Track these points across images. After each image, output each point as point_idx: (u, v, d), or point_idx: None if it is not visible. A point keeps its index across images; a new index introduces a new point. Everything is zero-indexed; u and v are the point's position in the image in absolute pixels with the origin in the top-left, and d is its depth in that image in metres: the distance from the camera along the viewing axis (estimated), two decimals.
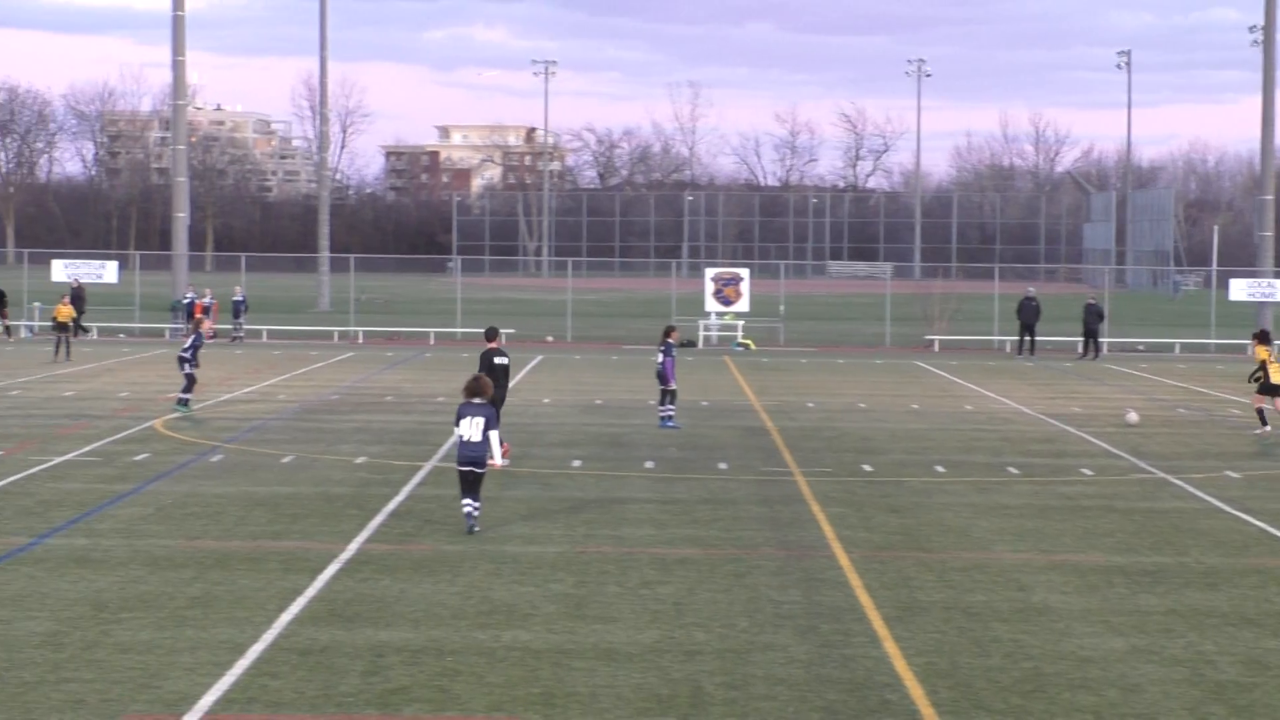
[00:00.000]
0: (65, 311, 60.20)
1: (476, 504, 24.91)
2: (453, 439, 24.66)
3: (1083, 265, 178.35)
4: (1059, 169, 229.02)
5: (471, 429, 24.47)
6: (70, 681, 16.50)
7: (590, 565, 22.70)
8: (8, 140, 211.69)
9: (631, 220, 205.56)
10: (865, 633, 19.03)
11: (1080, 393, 50.65)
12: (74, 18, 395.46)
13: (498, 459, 24.84)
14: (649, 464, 33.38)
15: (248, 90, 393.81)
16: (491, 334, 33.88)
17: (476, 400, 24.64)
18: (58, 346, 59.61)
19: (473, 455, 24.53)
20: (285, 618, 19.28)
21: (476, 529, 24.79)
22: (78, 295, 75.44)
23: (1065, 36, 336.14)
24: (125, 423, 39.20)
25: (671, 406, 40.35)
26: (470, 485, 24.75)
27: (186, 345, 42.29)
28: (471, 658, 17.67)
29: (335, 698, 16.13)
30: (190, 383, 41.78)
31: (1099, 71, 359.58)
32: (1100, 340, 70.72)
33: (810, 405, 46.50)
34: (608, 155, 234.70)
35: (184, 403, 41.68)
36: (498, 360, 33.30)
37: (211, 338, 73.06)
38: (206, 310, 74.94)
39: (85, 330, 74.84)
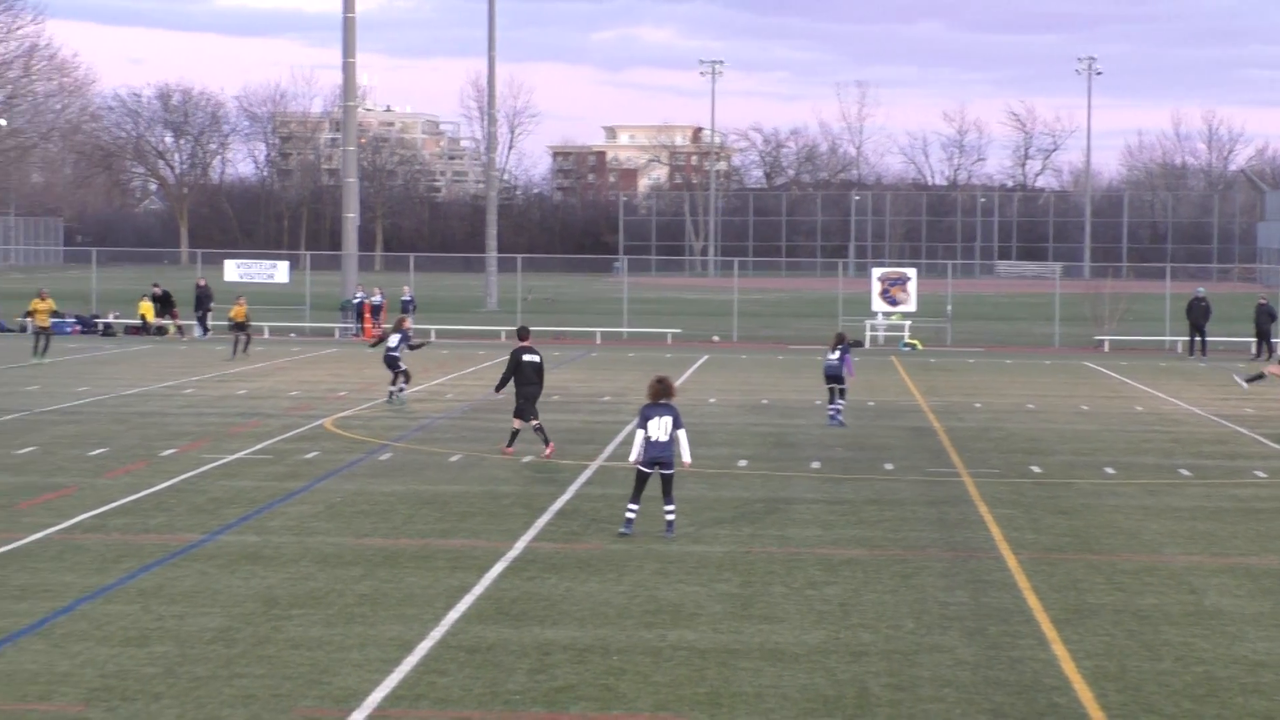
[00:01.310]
0: (241, 311, 61.01)
1: (662, 508, 24.90)
2: (638, 440, 24.56)
3: (1257, 265, 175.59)
4: (1232, 167, 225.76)
5: (660, 429, 24.44)
6: (242, 677, 16.71)
7: (756, 565, 22.67)
8: (182, 142, 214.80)
9: (798, 220, 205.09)
10: (1034, 635, 18.86)
11: (1254, 395, 49.93)
12: (247, 20, 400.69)
13: (687, 458, 24.86)
14: (815, 464, 33.29)
15: (417, 91, 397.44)
16: (523, 333, 34.60)
17: (662, 400, 24.66)
18: (235, 345, 60.47)
19: (662, 455, 24.44)
20: (453, 615, 19.42)
21: (628, 532, 24.76)
22: (205, 294, 76.55)
23: (1240, 34, 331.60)
24: (296, 421, 39.65)
25: (842, 402, 40.69)
26: (642, 486, 24.72)
27: (394, 344, 43.94)
28: (637, 657, 17.71)
29: (502, 695, 16.22)
30: (406, 377, 44.40)
31: (1274, 69, 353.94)
32: (1273, 341, 69.63)
33: (978, 406, 46.16)
34: (774, 155, 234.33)
35: (396, 395, 44.00)
36: (527, 358, 33.81)
37: (357, 336, 73.76)
38: (376, 310, 75.69)
39: (207, 331, 75.97)
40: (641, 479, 24.54)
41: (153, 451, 33.75)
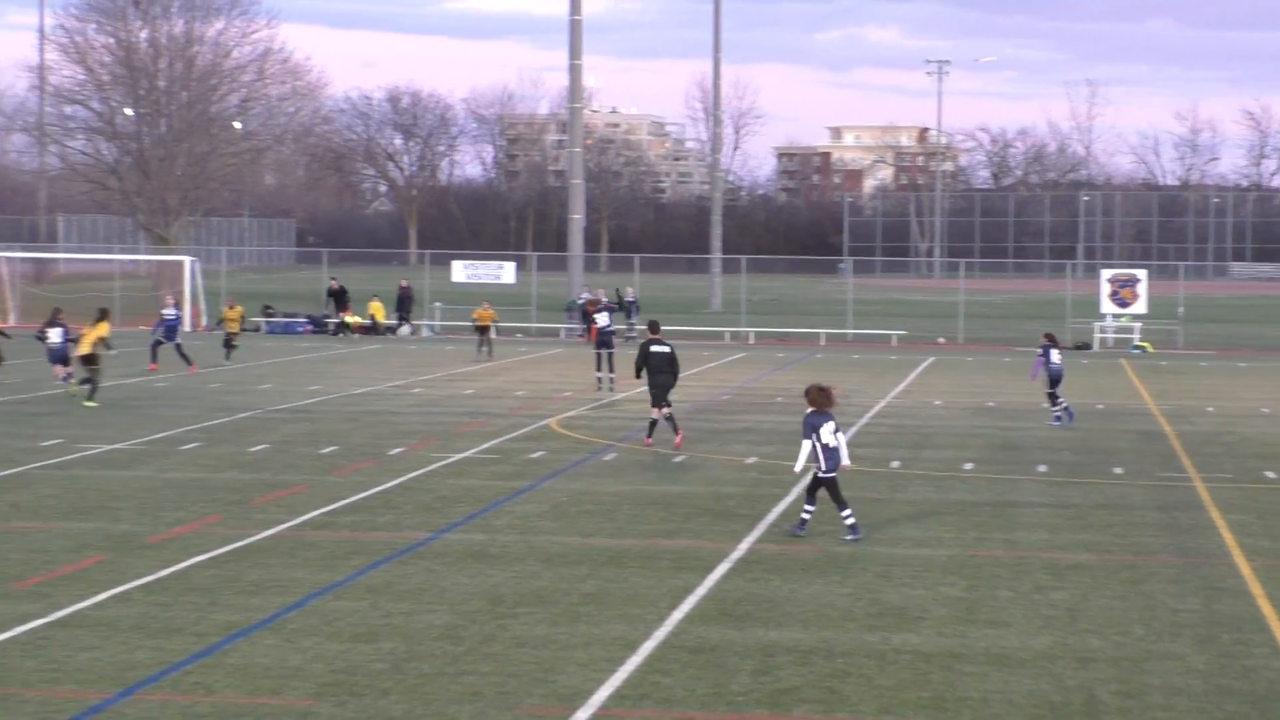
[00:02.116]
0: (487, 315, 61.56)
1: (839, 514, 24.90)
2: (808, 448, 24.66)
3: None
4: None
5: (832, 435, 24.50)
6: (468, 674, 16.86)
7: (982, 569, 22.46)
8: (411, 144, 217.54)
9: (1025, 221, 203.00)
10: (1268, 644, 18.49)
11: None
12: (475, 23, 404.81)
13: (848, 461, 24.86)
14: (1041, 468, 32.91)
15: (642, 93, 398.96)
16: (654, 326, 36.64)
17: (826, 408, 24.67)
18: (480, 348, 61.02)
19: (838, 462, 24.57)
20: (676, 615, 19.44)
21: (803, 533, 24.76)
22: (406, 296, 77.43)
23: None
24: (522, 420, 39.96)
25: (1064, 401, 40.60)
26: (820, 490, 24.82)
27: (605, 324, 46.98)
28: (861, 660, 17.61)
29: (725, 696, 16.21)
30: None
31: None
32: None
33: (1210, 410, 45.37)
34: (1001, 155, 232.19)
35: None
36: (655, 349, 35.34)
37: (582, 337, 74.19)
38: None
39: (414, 329, 76.76)
40: (820, 484, 24.63)
41: (381, 450, 34.20)
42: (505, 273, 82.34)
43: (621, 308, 72.16)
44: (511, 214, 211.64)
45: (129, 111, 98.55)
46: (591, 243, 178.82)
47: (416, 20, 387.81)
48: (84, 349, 42.21)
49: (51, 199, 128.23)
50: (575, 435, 37.32)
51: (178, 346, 53.31)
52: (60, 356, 45.21)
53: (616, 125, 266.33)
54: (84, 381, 42.16)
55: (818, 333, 78.40)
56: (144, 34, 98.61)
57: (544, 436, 37.00)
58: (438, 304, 79.41)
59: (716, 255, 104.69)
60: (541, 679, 16.69)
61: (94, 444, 34.29)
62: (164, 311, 55.04)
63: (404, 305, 77.78)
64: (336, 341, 71.98)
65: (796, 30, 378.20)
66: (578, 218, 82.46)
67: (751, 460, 33.37)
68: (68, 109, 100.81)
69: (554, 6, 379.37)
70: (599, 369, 48.92)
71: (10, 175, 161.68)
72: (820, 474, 24.57)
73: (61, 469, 30.83)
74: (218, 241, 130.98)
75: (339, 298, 77.85)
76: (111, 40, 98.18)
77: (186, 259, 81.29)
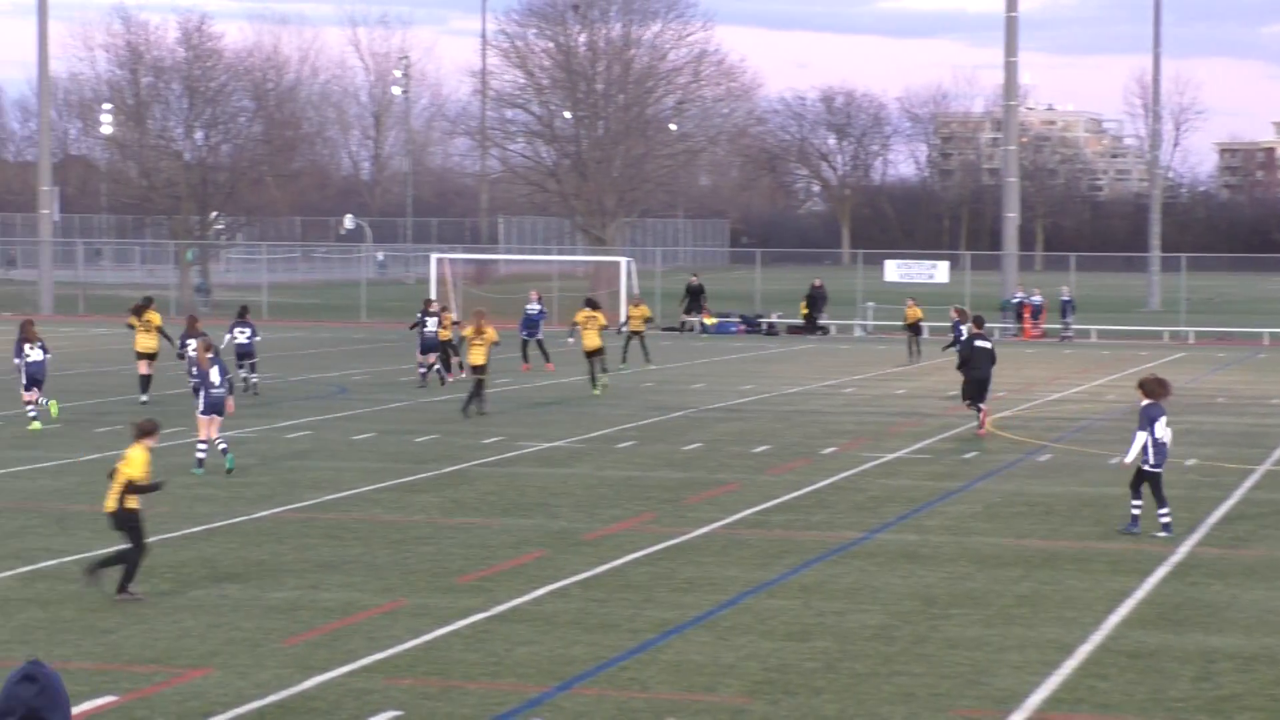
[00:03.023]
0: (914, 313, 60.97)
1: (1157, 510, 24.64)
2: (1140, 440, 24.45)
3: None
4: None
5: (1165, 429, 24.38)
6: (900, 675, 16.81)
7: None
8: (844, 143, 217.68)
9: None
10: None
11: None
12: (909, 22, 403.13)
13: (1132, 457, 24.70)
14: None
15: (1079, 89, 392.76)
16: (979, 321, 38.95)
17: (1162, 400, 24.51)
18: (910, 348, 60.47)
19: (1165, 456, 24.51)
20: (1113, 619, 19.11)
21: (1137, 530, 24.58)
22: (819, 295, 77.11)
23: None
24: (954, 421, 39.67)
25: None
26: (1143, 483, 24.64)
27: None
28: None
29: (1164, 703, 15.87)
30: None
31: None
32: None
33: None
34: None
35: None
36: (979, 344, 37.28)
37: (1040, 335, 73.25)
38: (1035, 311, 75.17)
39: (825, 330, 76.42)
40: (1145, 478, 24.45)
41: (813, 449, 34.31)
42: (938, 272, 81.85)
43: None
44: (945, 213, 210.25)
45: (567, 114, 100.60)
46: (1026, 241, 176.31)
47: (850, 20, 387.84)
48: (480, 358, 40.05)
49: (492, 201, 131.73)
50: (1009, 435, 36.93)
51: (539, 342, 52.89)
52: (432, 346, 46.96)
53: (1052, 122, 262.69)
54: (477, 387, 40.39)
55: (1261, 332, 76.15)
56: (582, 38, 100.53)
57: (977, 437, 36.67)
58: (869, 304, 79.29)
59: (1155, 254, 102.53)
60: (975, 681, 16.56)
61: (533, 441, 35.07)
62: (527, 308, 54.53)
63: (817, 304, 77.79)
64: (770, 341, 72.37)
65: (1241, 23, 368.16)
66: (1012, 216, 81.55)
67: (1191, 462, 32.62)
68: (508, 113, 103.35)
69: (989, 4, 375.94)
70: None
71: (453, 178, 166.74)
72: (1147, 468, 24.32)
73: (501, 466, 31.61)
74: (652, 242, 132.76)
75: (695, 296, 78.29)
76: (551, 45, 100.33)
77: (622, 259, 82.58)
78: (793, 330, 76.91)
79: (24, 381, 36.91)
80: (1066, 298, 74.92)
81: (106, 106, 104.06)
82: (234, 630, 18.30)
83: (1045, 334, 74.90)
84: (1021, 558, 22.81)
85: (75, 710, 15.04)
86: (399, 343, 62.05)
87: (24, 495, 27.53)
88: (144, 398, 41.73)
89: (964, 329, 41.40)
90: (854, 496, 28.13)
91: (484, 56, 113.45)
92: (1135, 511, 24.71)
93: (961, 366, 37.78)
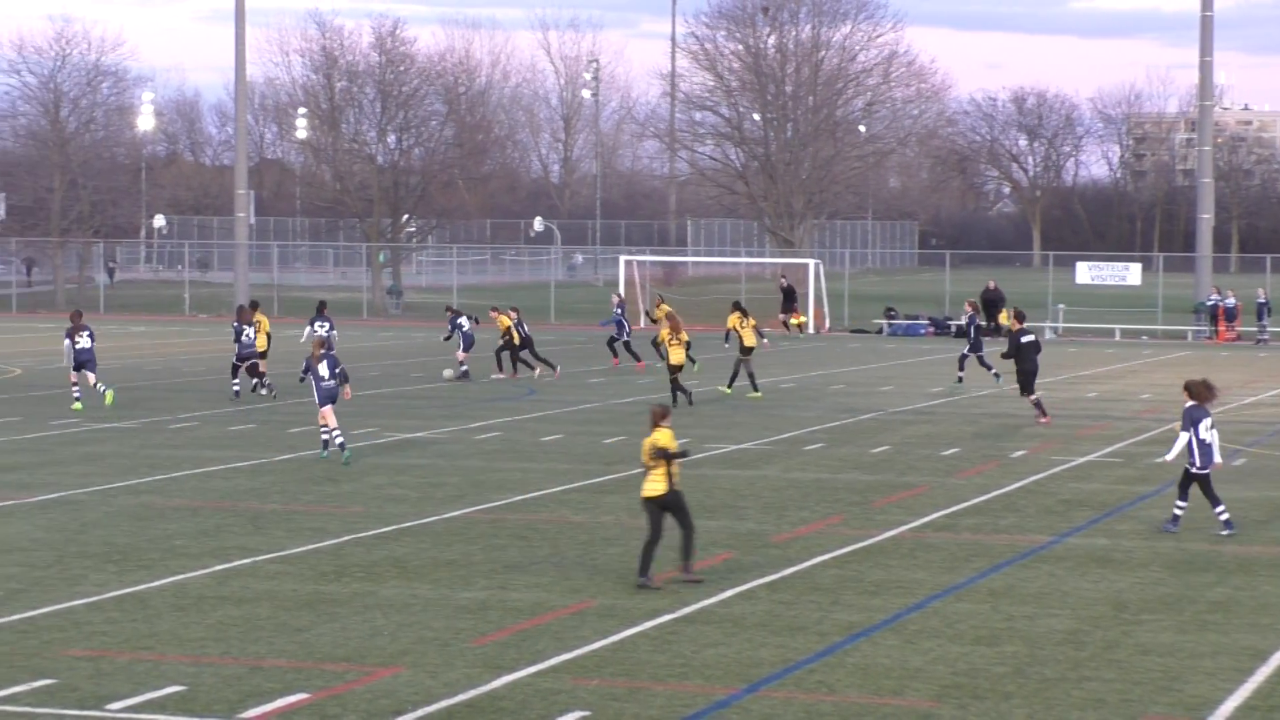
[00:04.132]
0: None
1: (1213, 510, 24.76)
2: (1183, 441, 24.63)
3: None
4: None
5: (1209, 431, 24.47)
6: (1091, 680, 16.64)
7: None
8: (1035, 144, 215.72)
9: None
10: None
11: None
12: (1103, 22, 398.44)
13: (1219, 458, 24.79)
14: None
15: (1275, 89, 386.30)
16: (1020, 316, 40.26)
17: (1207, 404, 24.63)
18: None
19: (1211, 458, 24.58)
20: None
21: (1176, 529, 24.70)
22: (994, 298, 76.21)
23: None
24: (1146, 424, 39.20)
25: None
26: (1191, 485, 24.77)
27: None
28: None
29: None
30: None
31: None
32: None
33: None
34: None
35: None
36: (1025, 339, 38.91)
37: (1234, 339, 72.14)
38: (1230, 314, 74.01)
39: (999, 332, 75.53)
40: (1193, 480, 24.60)
41: (1003, 452, 34.04)
42: (1130, 274, 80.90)
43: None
44: (1138, 214, 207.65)
45: (756, 117, 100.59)
46: (1220, 243, 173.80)
47: (1042, 20, 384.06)
48: (679, 357, 42.28)
49: (680, 204, 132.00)
50: None
51: (626, 344, 53.62)
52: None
53: (1248, 122, 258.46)
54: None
55: None
56: (771, 40, 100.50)
57: (1169, 440, 36.15)
58: (1060, 306, 78.48)
59: None
60: (1167, 687, 16.36)
61: (720, 443, 35.09)
62: (615, 310, 55.53)
63: (991, 308, 76.95)
64: (955, 342, 71.84)
65: None
66: (1206, 217, 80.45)
67: None
68: (697, 115, 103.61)
69: (1185, 3, 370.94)
70: None
71: (642, 181, 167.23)
72: (1193, 470, 24.42)
73: (689, 468, 31.62)
74: (840, 244, 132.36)
75: (788, 296, 77.79)
76: (740, 47, 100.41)
77: (810, 261, 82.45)
78: (982, 332, 76.23)
79: (73, 365, 40.62)
80: (1263, 300, 73.64)
81: (301, 111, 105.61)
82: (424, 630, 18.49)
83: (1240, 337, 73.72)
84: (1215, 563, 22.48)
85: (268, 706, 15.31)
86: (587, 344, 62.40)
87: (220, 494, 27.99)
88: (236, 386, 43.79)
89: (980, 322, 45.54)
90: (1043, 500, 27.87)
91: (673, 59, 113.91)
92: (1178, 512, 24.88)
93: (1009, 358, 39.56)
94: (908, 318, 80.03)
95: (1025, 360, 38.73)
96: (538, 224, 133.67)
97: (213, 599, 19.96)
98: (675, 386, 42.00)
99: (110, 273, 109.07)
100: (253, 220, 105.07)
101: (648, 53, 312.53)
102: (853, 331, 77.83)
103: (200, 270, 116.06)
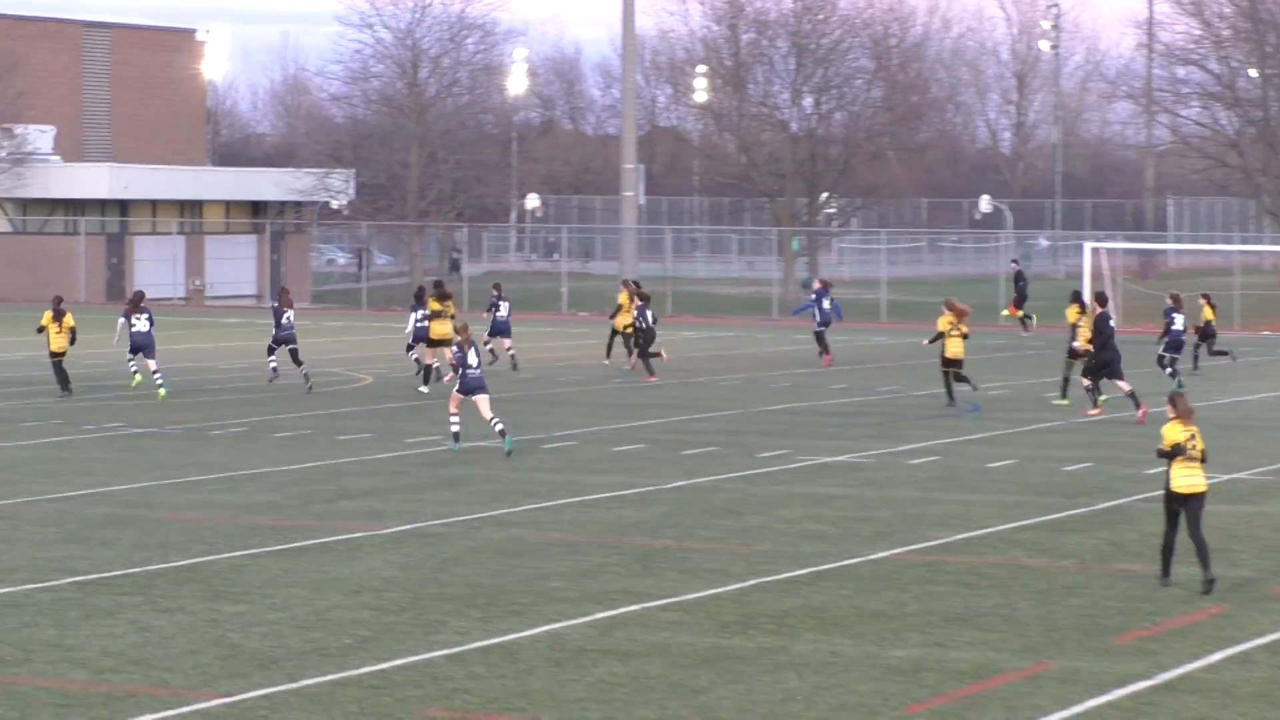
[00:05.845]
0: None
1: None
2: None
3: None
4: None
5: None
6: None
7: None
8: None
9: None
10: None
11: None
12: None
13: None
14: None
15: None
16: (1101, 299, 44.56)
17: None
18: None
19: None
20: None
21: None
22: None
23: None
24: None
25: None
26: None
27: None
28: None
29: None
30: None
31: None
32: None
33: None
34: None
35: None
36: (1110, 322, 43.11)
37: None
38: None
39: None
40: None
41: None
42: None
43: None
44: None
45: (1253, 73, 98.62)
46: None
47: None
48: (958, 350, 45.00)
49: (1159, 179, 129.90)
50: None
51: (819, 335, 57.90)
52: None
53: None
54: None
55: None
56: None
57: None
58: None
59: None
60: None
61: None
62: (822, 300, 58.28)
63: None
64: None
65: None
66: None
67: None
68: (1180, 71, 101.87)
69: None
70: None
71: (1112, 151, 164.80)
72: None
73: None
74: None
75: (1017, 284, 75.52)
76: None
77: None
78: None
79: (129, 346, 46.05)
80: None
81: (700, 69, 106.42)
82: (846, 694, 18.49)
83: None
84: None
85: None
86: (1045, 349, 61.79)
87: (602, 528, 28.35)
88: (424, 389, 47.78)
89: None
90: None
91: (1150, 3, 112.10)
92: None
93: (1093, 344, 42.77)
94: None
95: (1106, 347, 42.50)
96: (984, 204, 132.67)
97: (594, 652, 20.22)
98: (955, 380, 44.98)
99: (454, 265, 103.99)
100: (642, 201, 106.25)
101: None
102: None
103: (581, 260, 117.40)
